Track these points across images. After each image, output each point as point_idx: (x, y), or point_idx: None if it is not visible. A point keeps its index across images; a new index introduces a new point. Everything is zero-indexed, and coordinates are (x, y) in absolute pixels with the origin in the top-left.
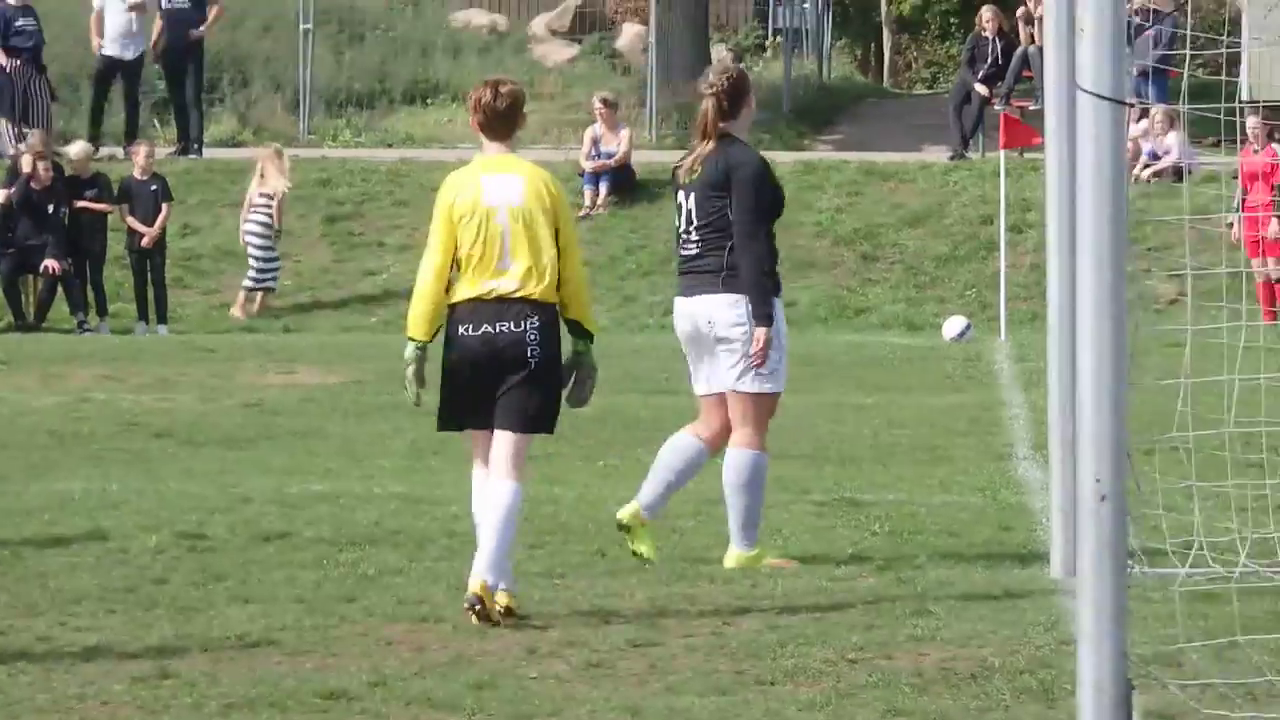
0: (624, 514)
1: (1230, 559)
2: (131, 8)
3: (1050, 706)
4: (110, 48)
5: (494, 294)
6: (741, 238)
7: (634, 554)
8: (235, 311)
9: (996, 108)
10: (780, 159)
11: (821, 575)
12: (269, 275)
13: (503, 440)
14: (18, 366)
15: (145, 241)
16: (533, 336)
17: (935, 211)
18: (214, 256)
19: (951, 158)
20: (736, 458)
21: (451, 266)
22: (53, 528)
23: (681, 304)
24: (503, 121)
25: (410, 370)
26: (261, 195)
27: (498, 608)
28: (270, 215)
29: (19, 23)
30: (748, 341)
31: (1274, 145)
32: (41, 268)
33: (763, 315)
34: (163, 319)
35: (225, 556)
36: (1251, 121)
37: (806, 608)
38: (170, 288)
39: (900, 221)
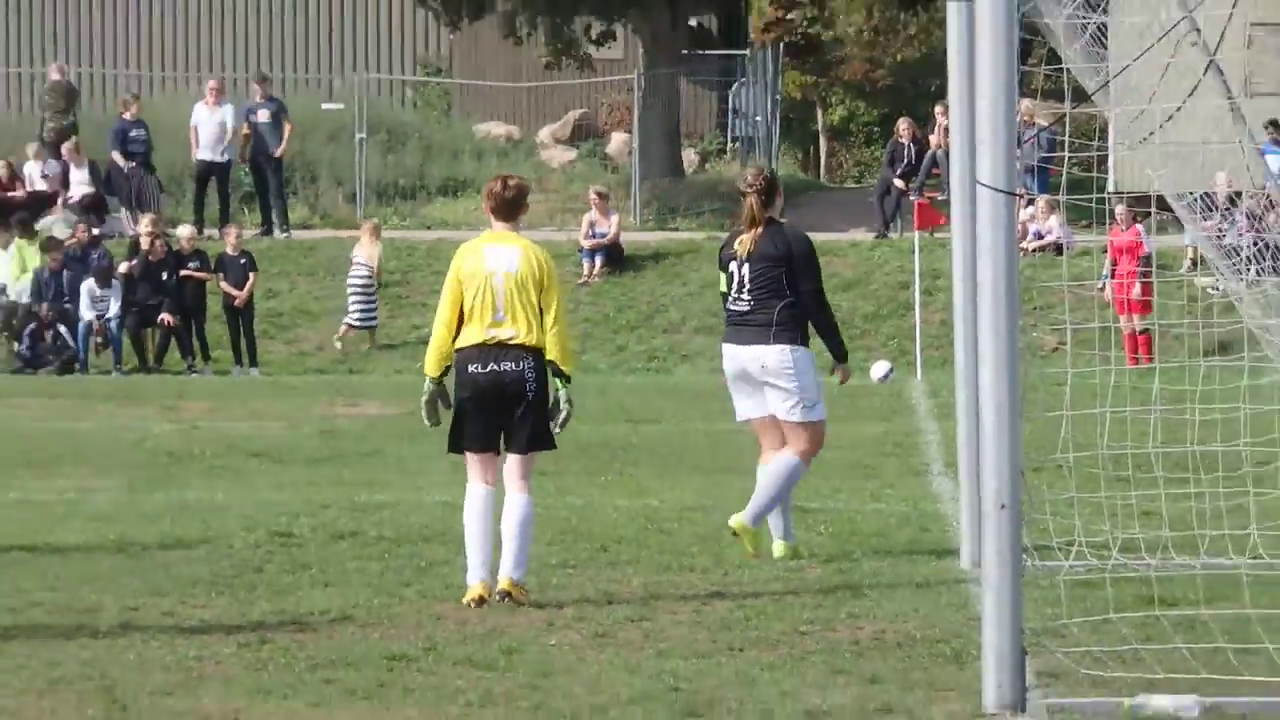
0: (734, 521)
1: (1104, 554)
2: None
3: (961, 669)
4: (204, 154)
5: (495, 340)
6: (816, 299)
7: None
8: (336, 343)
9: (911, 197)
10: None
11: (779, 567)
12: (370, 318)
13: (514, 460)
14: (142, 400)
15: (237, 303)
16: (530, 374)
17: (863, 279)
18: (292, 315)
19: (876, 237)
20: (783, 457)
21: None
22: (173, 528)
23: (732, 350)
24: (509, 207)
25: (425, 400)
26: (360, 257)
27: (512, 592)
28: (370, 271)
29: (133, 133)
30: (793, 380)
31: (1138, 226)
32: (158, 321)
33: (843, 355)
34: (254, 363)
35: (308, 550)
36: (1119, 209)
37: (768, 592)
38: (258, 339)
39: (835, 287)
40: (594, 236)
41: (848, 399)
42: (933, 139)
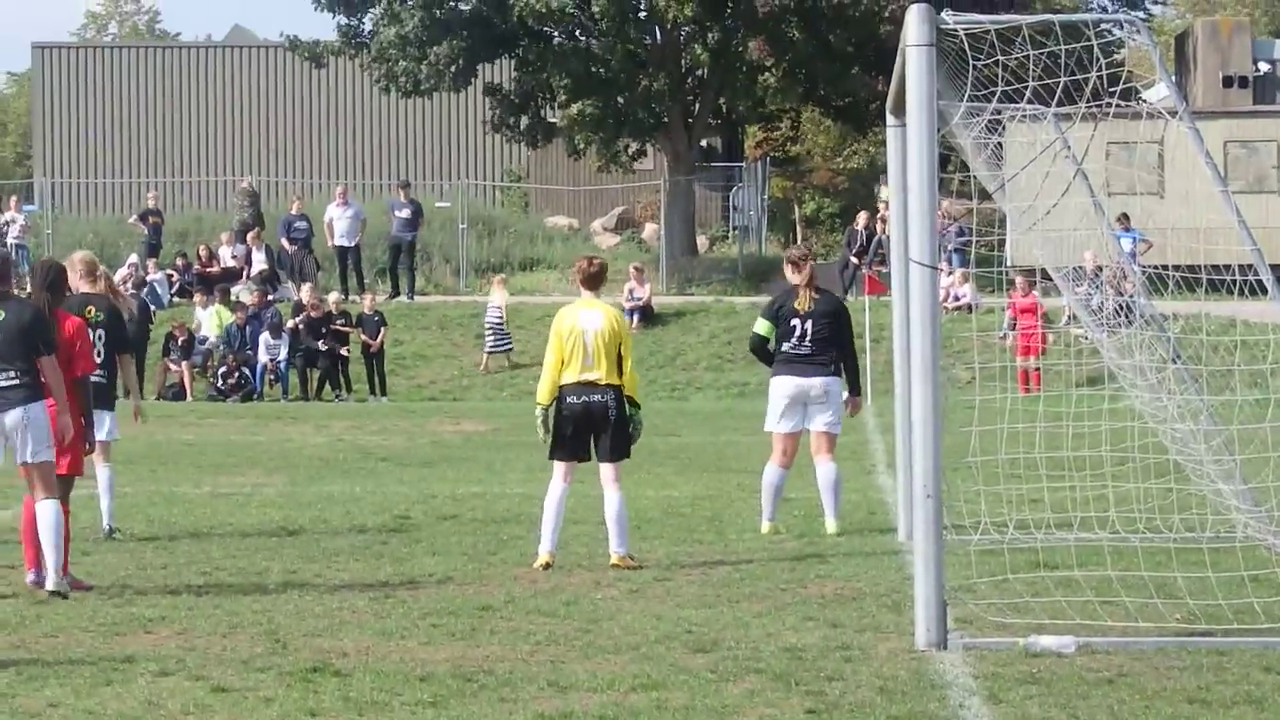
0: (832, 529)
1: (1003, 531)
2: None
3: (899, 616)
4: (339, 240)
5: (588, 380)
6: (851, 348)
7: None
8: (481, 368)
9: (863, 271)
10: (738, 301)
11: (764, 541)
12: (504, 343)
13: (606, 468)
14: (302, 421)
15: (372, 350)
16: (612, 404)
17: None
18: (412, 359)
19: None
20: (833, 469)
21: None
22: (322, 513)
23: (795, 380)
24: (594, 280)
25: (539, 421)
26: (495, 302)
27: (619, 564)
28: (501, 312)
29: (296, 224)
30: (837, 402)
31: (1034, 291)
32: (316, 363)
33: (859, 390)
34: (384, 393)
35: (421, 529)
36: (1019, 279)
37: (757, 559)
38: (388, 376)
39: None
40: (632, 300)
41: None
42: (879, 226)
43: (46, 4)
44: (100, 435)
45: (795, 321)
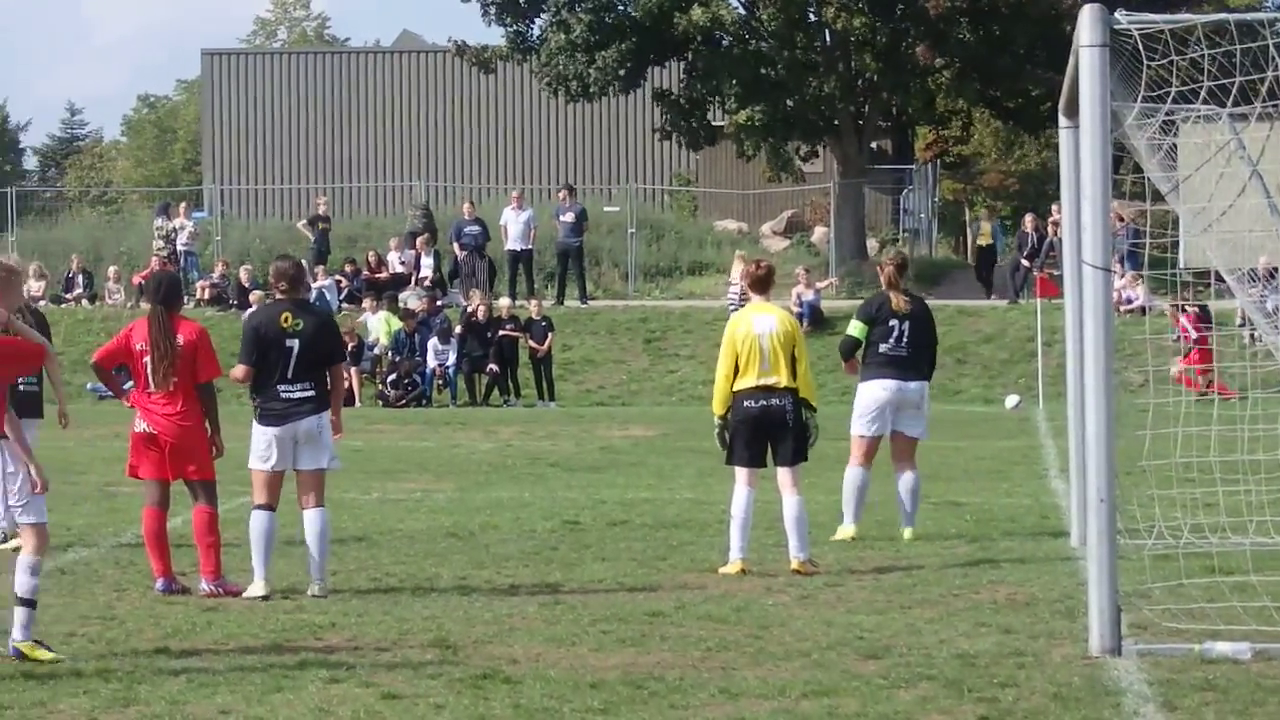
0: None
1: (1177, 535)
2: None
3: (1072, 622)
4: (512, 244)
5: (764, 384)
6: (935, 351)
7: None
8: None
9: (1034, 273)
10: None
11: (937, 547)
12: None
13: (785, 472)
14: (470, 426)
15: (539, 354)
16: (790, 408)
17: (999, 334)
18: (580, 363)
19: (1009, 303)
20: (914, 476)
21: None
22: (491, 518)
23: (893, 384)
24: (762, 283)
25: (717, 432)
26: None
27: (800, 569)
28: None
29: (467, 229)
30: (927, 410)
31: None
32: (485, 368)
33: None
34: (552, 398)
35: (590, 534)
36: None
37: (928, 564)
38: (556, 381)
39: (979, 340)
40: (801, 303)
41: (987, 422)
42: (1050, 229)
43: (216, 11)
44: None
45: (894, 323)
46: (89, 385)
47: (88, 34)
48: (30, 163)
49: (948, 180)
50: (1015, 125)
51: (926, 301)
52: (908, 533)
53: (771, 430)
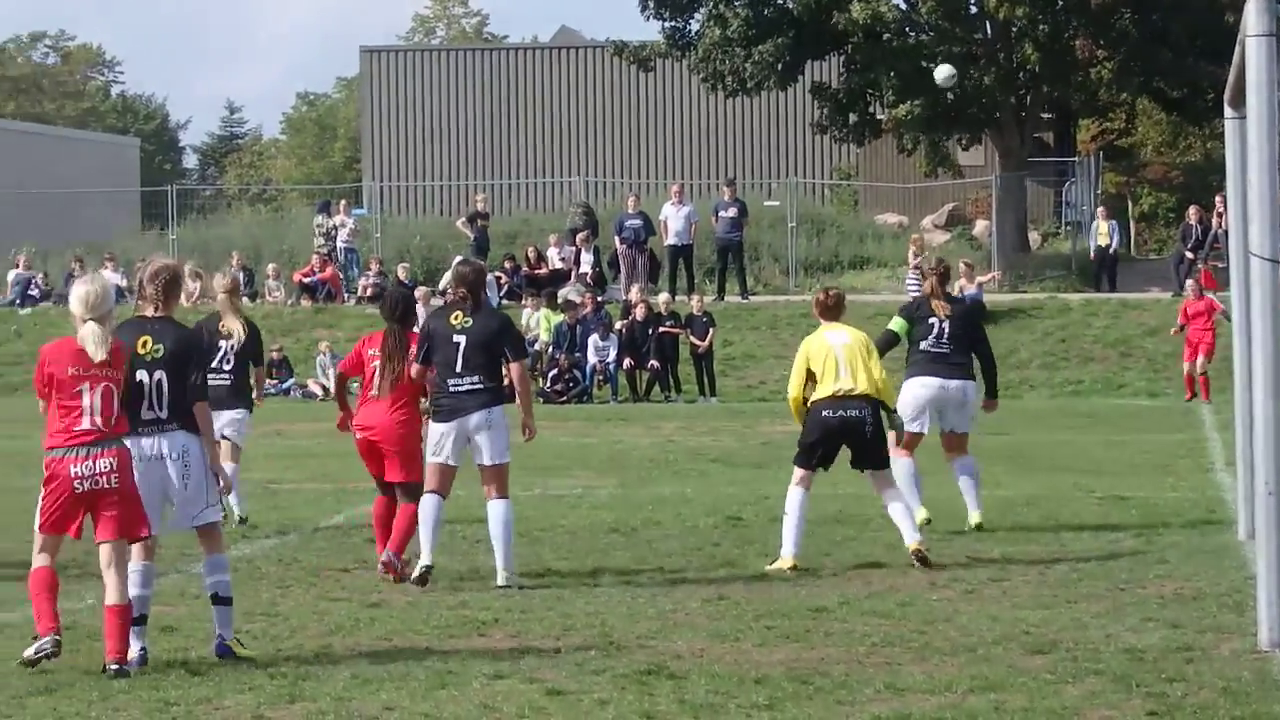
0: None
1: None
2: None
3: (1241, 616)
4: (672, 239)
5: (842, 392)
6: (988, 348)
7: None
8: None
9: (1199, 265)
10: (1071, 299)
11: (1102, 540)
12: None
13: (876, 474)
14: (631, 422)
15: (700, 350)
16: (868, 418)
17: (1163, 326)
18: (741, 359)
19: (1172, 295)
20: (970, 461)
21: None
22: (653, 514)
23: (937, 381)
24: (832, 310)
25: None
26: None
27: (919, 549)
28: None
29: (628, 223)
30: (972, 409)
31: (1207, 295)
32: (646, 364)
33: (996, 392)
34: (713, 394)
35: (753, 530)
36: (1190, 284)
37: (1094, 557)
38: (717, 376)
39: (1142, 333)
40: (963, 297)
41: (1152, 415)
42: (1215, 220)
43: (375, 8)
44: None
45: (933, 320)
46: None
47: (247, 32)
48: (190, 161)
49: (1111, 172)
50: (1179, 117)
51: (980, 299)
52: (975, 517)
53: (848, 439)
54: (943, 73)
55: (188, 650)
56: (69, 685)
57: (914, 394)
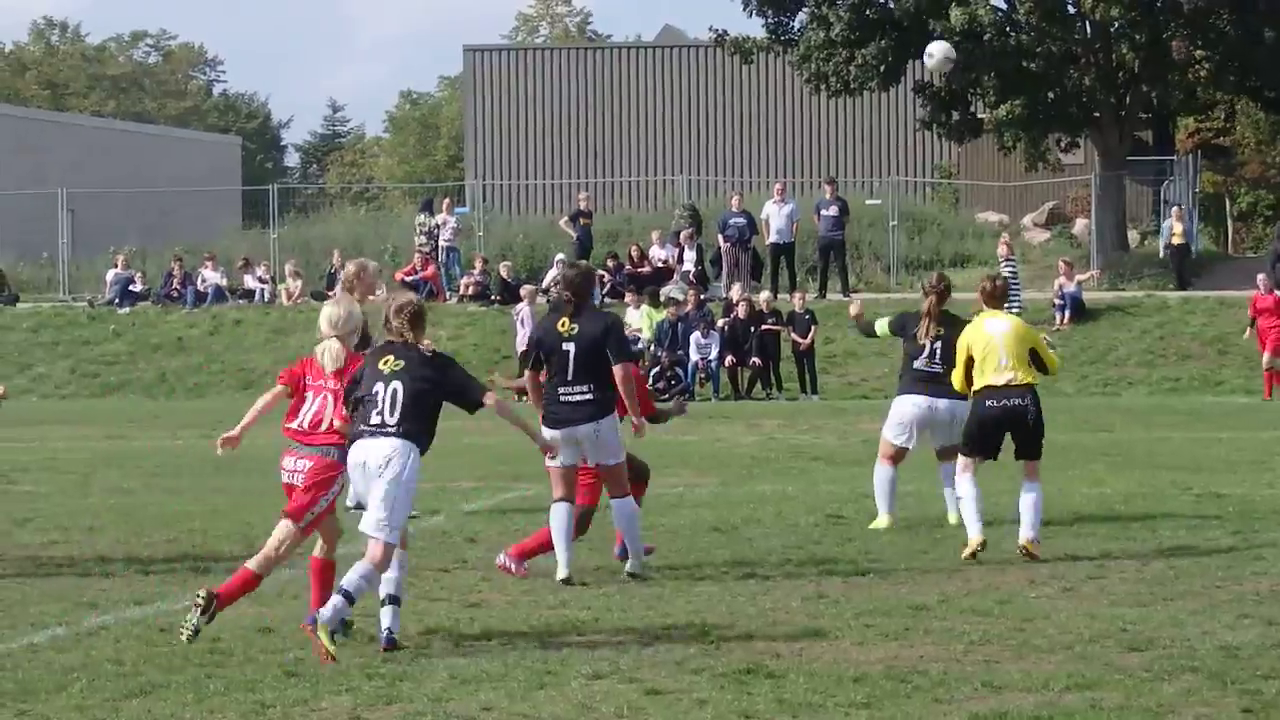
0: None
1: None
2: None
3: None
4: (774, 238)
5: (1005, 381)
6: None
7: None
8: None
9: None
10: (1170, 297)
11: (1199, 538)
12: None
13: (1029, 465)
14: (732, 420)
15: (802, 348)
16: (1031, 407)
17: None
18: (843, 356)
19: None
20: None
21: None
22: (753, 512)
23: (926, 401)
24: (996, 298)
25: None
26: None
27: (1028, 547)
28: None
29: (731, 221)
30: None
31: (1276, 291)
32: (748, 362)
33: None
34: (815, 391)
35: (853, 527)
36: (1261, 278)
37: (1190, 554)
38: (819, 374)
39: (1239, 330)
40: (1062, 295)
41: (1249, 413)
42: None
43: (478, 7)
44: None
45: (925, 342)
46: None
47: (350, 32)
48: (291, 159)
49: (1209, 171)
50: (1277, 116)
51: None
52: (954, 518)
53: (1012, 428)
54: (939, 52)
55: (284, 651)
56: (163, 687)
57: (903, 411)
